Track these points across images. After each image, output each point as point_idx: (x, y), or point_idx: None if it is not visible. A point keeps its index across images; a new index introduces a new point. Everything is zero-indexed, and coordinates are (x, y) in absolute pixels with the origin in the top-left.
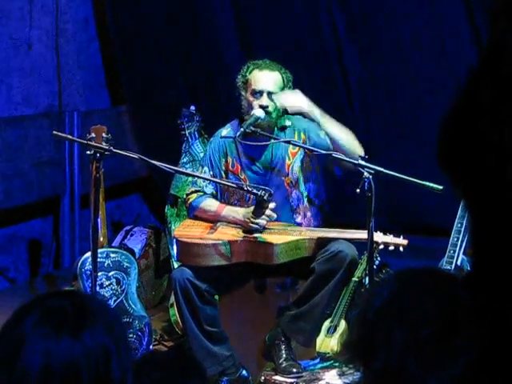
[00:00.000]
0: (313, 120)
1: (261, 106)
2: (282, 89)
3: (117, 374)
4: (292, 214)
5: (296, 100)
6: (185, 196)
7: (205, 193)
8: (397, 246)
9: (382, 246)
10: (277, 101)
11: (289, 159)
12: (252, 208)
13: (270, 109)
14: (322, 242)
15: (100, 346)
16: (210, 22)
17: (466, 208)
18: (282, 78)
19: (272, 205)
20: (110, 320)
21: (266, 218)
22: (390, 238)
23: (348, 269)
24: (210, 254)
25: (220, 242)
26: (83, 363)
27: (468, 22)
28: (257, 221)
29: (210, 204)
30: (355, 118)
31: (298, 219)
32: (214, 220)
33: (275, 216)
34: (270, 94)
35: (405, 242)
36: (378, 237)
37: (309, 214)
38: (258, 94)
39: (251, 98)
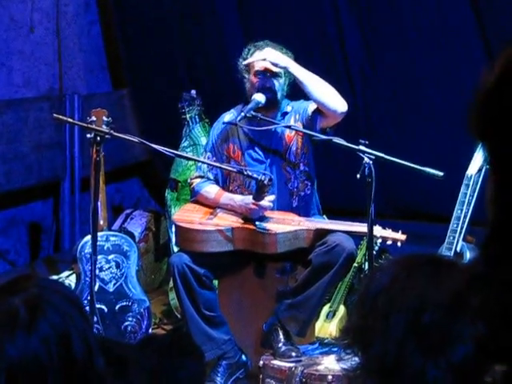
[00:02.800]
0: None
1: (263, 86)
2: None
3: (79, 353)
4: (290, 198)
5: (275, 55)
6: (189, 180)
7: (208, 178)
8: (395, 240)
9: (380, 240)
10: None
11: (286, 144)
12: (249, 197)
13: (274, 88)
14: (321, 234)
15: (57, 331)
16: (211, 5)
17: (494, 175)
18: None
19: (272, 197)
20: (64, 301)
21: (269, 204)
22: (388, 233)
23: (345, 263)
24: (209, 240)
25: (223, 228)
26: (44, 353)
27: (469, 2)
28: (259, 203)
29: (210, 191)
30: (356, 102)
31: (295, 203)
32: (213, 206)
33: (271, 205)
34: (272, 74)
35: (403, 237)
36: (377, 231)
37: (303, 196)
38: (260, 74)
39: (255, 80)
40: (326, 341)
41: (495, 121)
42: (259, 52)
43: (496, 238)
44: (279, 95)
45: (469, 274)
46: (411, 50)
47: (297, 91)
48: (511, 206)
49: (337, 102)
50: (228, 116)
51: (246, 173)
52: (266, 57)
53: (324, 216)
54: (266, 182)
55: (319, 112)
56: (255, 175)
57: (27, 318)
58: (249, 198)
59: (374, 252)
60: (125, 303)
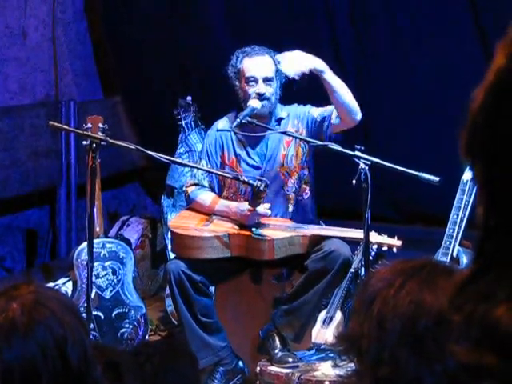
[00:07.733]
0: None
1: (258, 94)
2: (276, 71)
3: (75, 359)
4: (287, 203)
5: (301, 58)
6: (184, 188)
7: (203, 186)
8: (390, 246)
9: (375, 246)
10: (282, 67)
11: (284, 149)
12: (244, 204)
13: (268, 95)
14: (316, 240)
15: (53, 336)
16: (202, 9)
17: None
18: (273, 60)
19: (267, 205)
20: (62, 307)
21: (265, 211)
22: (383, 239)
23: (341, 268)
24: (205, 246)
25: (219, 234)
26: (39, 358)
27: None
28: (255, 210)
29: (205, 198)
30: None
31: (291, 208)
32: (209, 214)
33: (269, 213)
34: (265, 80)
35: (398, 243)
36: (373, 237)
37: (300, 201)
38: (252, 81)
39: (246, 87)
40: (322, 347)
41: (485, 141)
42: (248, 59)
43: (482, 250)
44: (273, 101)
45: (455, 287)
46: (406, 44)
47: (288, 95)
48: (497, 228)
49: (357, 108)
50: (221, 123)
51: (241, 179)
52: (300, 60)
53: (321, 222)
54: (261, 188)
55: (328, 117)
56: (251, 181)
57: (24, 322)
58: (244, 205)
59: (371, 257)
60: (121, 310)
